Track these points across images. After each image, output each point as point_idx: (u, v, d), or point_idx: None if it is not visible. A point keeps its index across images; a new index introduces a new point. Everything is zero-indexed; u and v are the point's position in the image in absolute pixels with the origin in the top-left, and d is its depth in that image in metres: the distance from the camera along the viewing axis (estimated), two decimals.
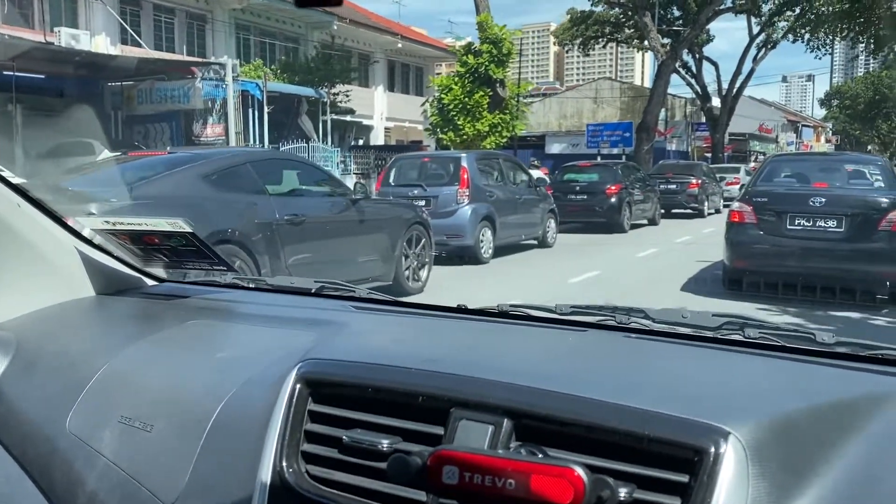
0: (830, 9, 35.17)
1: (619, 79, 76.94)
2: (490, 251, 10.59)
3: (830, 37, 38.17)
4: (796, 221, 7.15)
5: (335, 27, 26.97)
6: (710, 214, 19.96)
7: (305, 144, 20.43)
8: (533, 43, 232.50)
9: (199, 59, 20.85)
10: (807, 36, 37.22)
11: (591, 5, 36.45)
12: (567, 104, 46.93)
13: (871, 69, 74.44)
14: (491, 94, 20.10)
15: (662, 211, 19.02)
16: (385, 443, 0.98)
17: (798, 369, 1.16)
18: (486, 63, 19.79)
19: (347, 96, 24.47)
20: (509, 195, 11.33)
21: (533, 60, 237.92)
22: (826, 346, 1.21)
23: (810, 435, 0.89)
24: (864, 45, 40.30)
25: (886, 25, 35.69)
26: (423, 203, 10.45)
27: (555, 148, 40.39)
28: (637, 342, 1.30)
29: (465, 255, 10.36)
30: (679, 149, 42.19)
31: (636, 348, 1.28)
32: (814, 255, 7.06)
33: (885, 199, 7.14)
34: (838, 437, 0.90)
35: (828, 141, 70.65)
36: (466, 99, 20.06)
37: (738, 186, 23.62)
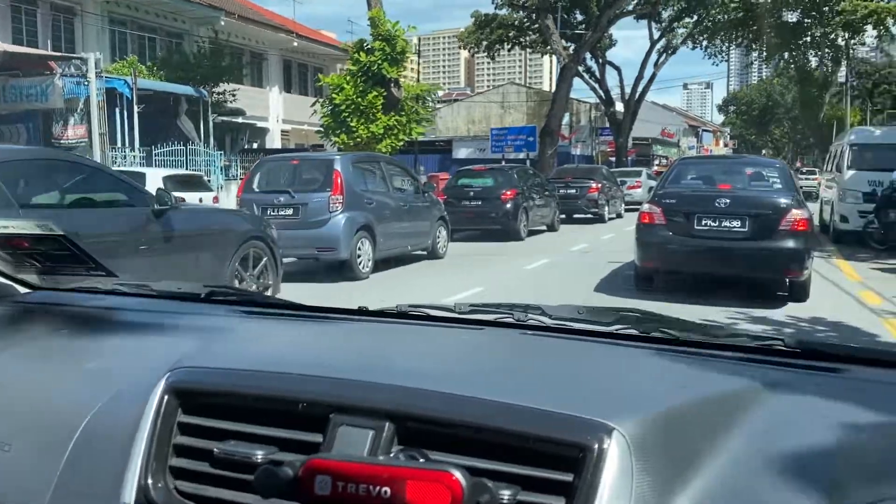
0: (726, 17, 36.25)
1: (528, 84, 77.68)
2: (369, 265, 9.49)
3: (726, 44, 39.31)
4: (703, 222, 7.29)
5: (222, 23, 25.29)
6: (611, 219, 19.49)
7: (184, 147, 18.85)
8: (444, 49, 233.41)
9: (56, 53, 18.87)
10: (704, 43, 38.12)
11: (495, 8, 36.46)
12: (475, 109, 47.17)
13: (763, 76, 77.64)
14: (385, 94, 19.01)
15: (563, 216, 18.53)
16: (259, 454, 0.94)
17: (690, 363, 1.17)
18: (379, 61, 18.69)
19: (234, 95, 22.90)
20: (393, 202, 10.27)
21: (444, 66, 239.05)
22: (719, 339, 1.23)
23: (696, 428, 0.89)
24: (757, 52, 41.70)
25: (776, 34, 37.02)
26: (290, 212, 9.29)
27: (462, 153, 40.29)
28: (533, 339, 1.31)
29: (341, 271, 9.24)
30: (584, 153, 42.63)
31: (531, 345, 1.29)
32: (720, 253, 7.22)
33: (783, 200, 7.38)
34: (724, 429, 0.90)
35: (726, 145, 73.22)
36: (359, 99, 18.89)
37: (639, 190, 23.55)
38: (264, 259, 6.20)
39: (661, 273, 7.76)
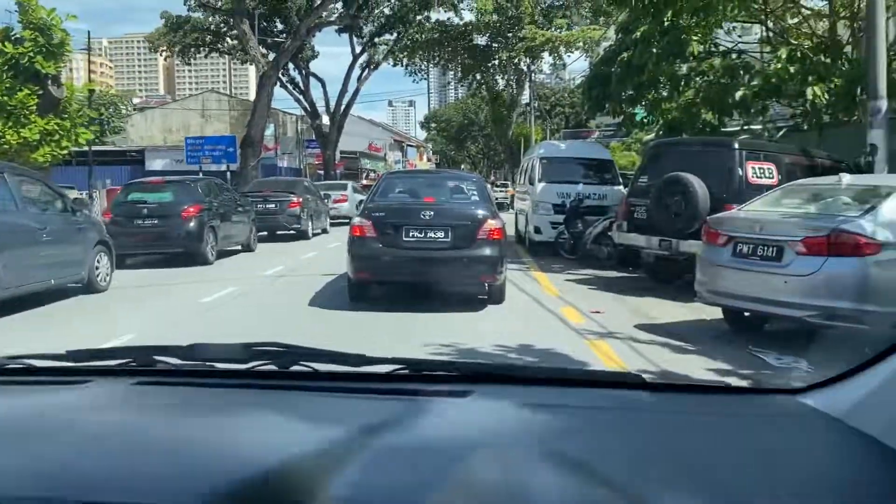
0: (423, 37, 37.51)
1: (232, 93, 74.33)
2: None
3: (425, 63, 40.72)
4: (411, 233, 7.64)
5: None
6: (316, 235, 18.34)
7: None
8: (140, 53, 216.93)
9: None
10: (405, 60, 39.04)
11: (188, 10, 34.02)
12: (173, 117, 44.36)
13: (460, 96, 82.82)
14: (41, 93, 15.86)
15: (265, 233, 17.08)
16: None
17: (323, 399, 1.12)
18: (31, 54, 15.54)
19: None
20: (25, 224, 7.98)
21: (141, 71, 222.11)
22: (360, 369, 1.21)
23: (311, 478, 0.84)
24: (453, 72, 43.94)
25: (469, 56, 39.33)
26: None
27: (157, 164, 37.39)
28: (147, 391, 1.16)
29: None
30: (292, 165, 41.61)
31: (136, 401, 1.13)
32: (426, 262, 7.60)
33: (480, 212, 7.92)
34: (338, 469, 0.85)
35: (429, 160, 76.76)
36: (5, 98, 15.54)
37: (345, 204, 22.77)
38: None
39: (373, 283, 8.12)
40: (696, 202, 8.21)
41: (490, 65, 41.79)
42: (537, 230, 13.23)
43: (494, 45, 39.63)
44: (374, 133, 60.86)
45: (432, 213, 7.73)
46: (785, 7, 12.46)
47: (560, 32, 37.01)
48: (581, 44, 35.74)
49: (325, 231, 19.40)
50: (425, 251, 7.60)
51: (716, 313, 7.09)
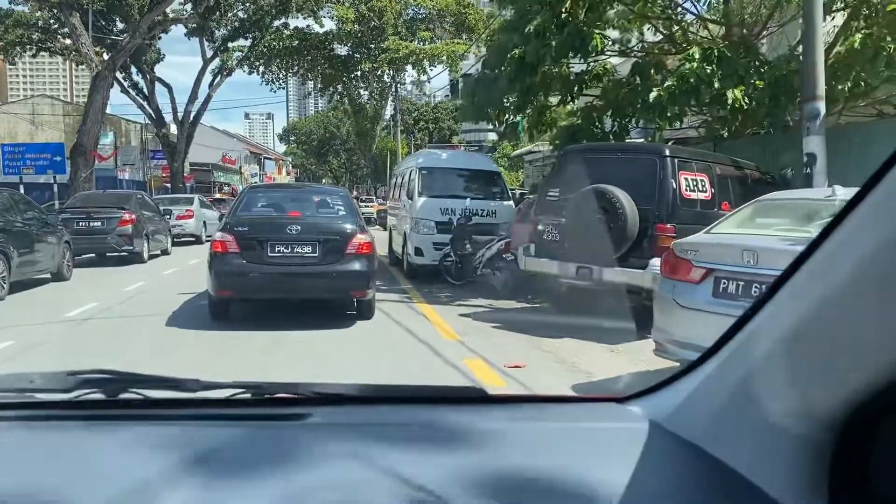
0: (280, 44, 35.38)
1: (73, 100, 68.04)
2: None
3: (283, 72, 38.42)
4: (276, 248, 7.40)
5: None
6: (154, 257, 15.62)
7: None
8: None
9: None
10: (261, 68, 36.69)
11: (10, 3, 30.04)
12: None
13: (321, 108, 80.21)
14: None
15: (93, 255, 14.57)
16: None
17: (154, 428, 1.06)
18: None
19: None
20: None
21: None
22: (194, 395, 1.13)
23: None
24: (313, 83, 41.85)
25: (330, 66, 37.43)
26: None
27: None
28: None
29: None
30: (135, 178, 37.87)
31: None
32: (294, 278, 7.40)
33: (348, 226, 7.75)
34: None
35: (288, 173, 73.60)
36: None
37: (191, 221, 20.19)
38: None
39: (237, 301, 7.81)
40: (623, 221, 6.72)
41: (352, 76, 40.02)
42: (418, 252, 11.36)
43: (357, 55, 37.90)
44: (229, 144, 57.39)
45: (299, 227, 7.51)
46: (682, 11, 11.49)
47: (424, 45, 35.85)
48: (445, 58, 34.75)
49: (165, 252, 16.67)
50: (292, 266, 7.40)
51: (655, 362, 5.61)
